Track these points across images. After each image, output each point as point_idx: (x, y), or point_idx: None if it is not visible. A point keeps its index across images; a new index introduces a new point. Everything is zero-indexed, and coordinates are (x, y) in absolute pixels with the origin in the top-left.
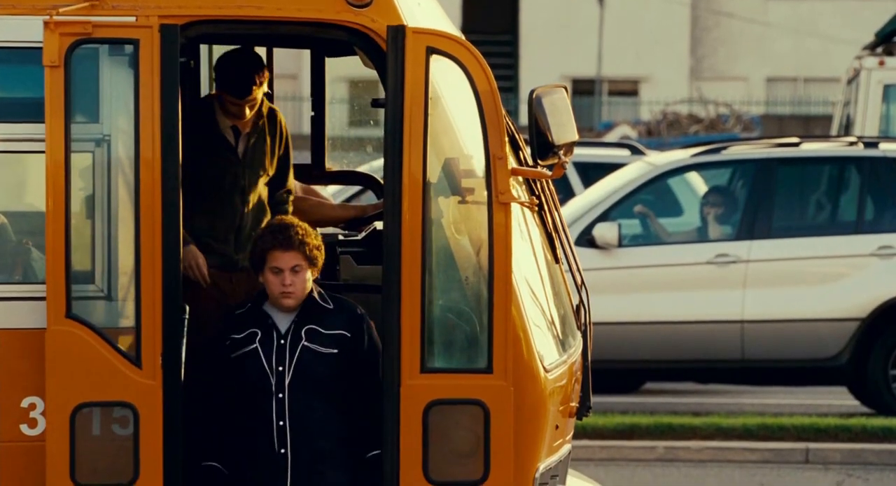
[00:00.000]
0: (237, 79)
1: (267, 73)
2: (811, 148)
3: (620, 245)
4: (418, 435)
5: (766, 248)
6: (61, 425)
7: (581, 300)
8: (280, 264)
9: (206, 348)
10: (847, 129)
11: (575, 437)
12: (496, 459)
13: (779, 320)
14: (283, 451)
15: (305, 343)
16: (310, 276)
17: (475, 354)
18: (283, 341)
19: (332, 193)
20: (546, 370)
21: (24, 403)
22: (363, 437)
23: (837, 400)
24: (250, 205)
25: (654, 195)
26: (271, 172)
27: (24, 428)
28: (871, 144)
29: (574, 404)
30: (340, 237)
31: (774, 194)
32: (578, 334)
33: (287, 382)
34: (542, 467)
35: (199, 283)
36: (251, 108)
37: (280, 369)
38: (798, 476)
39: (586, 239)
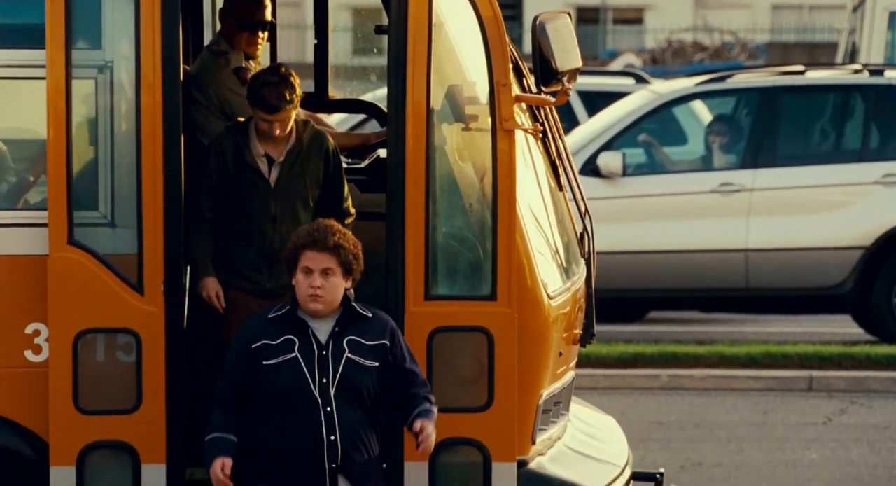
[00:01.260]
0: (268, 94)
1: (300, 94)
2: (816, 76)
3: (625, 174)
4: (422, 362)
5: (770, 176)
6: (64, 351)
7: (585, 229)
8: (311, 263)
9: (232, 351)
10: (852, 56)
11: (578, 365)
12: (500, 386)
13: (783, 249)
14: (333, 466)
15: (349, 355)
16: (342, 283)
17: (479, 281)
18: (324, 352)
19: (336, 121)
20: (550, 298)
21: (29, 329)
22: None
23: (841, 328)
24: (283, 234)
25: (659, 124)
26: (313, 198)
27: (28, 354)
28: (877, 72)
29: (578, 331)
30: (344, 165)
31: (779, 123)
32: (582, 262)
33: (332, 394)
34: (545, 394)
35: (230, 308)
36: (282, 127)
37: (324, 381)
38: (801, 404)
39: (590, 168)
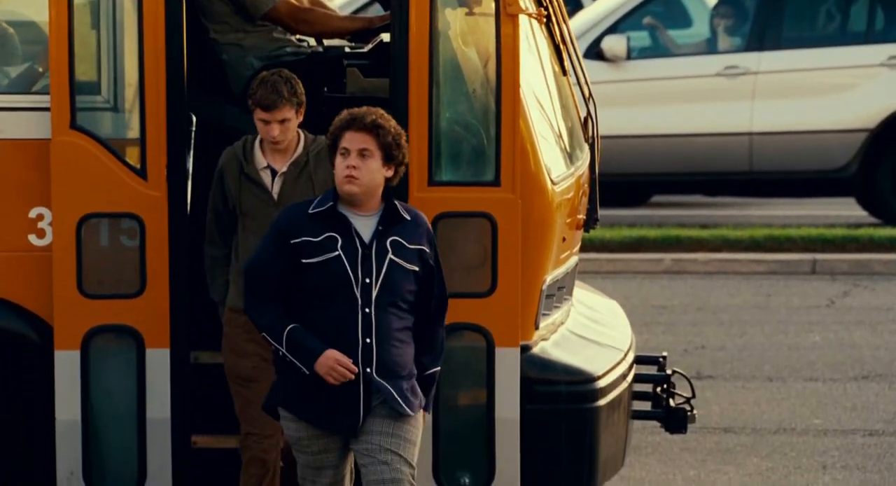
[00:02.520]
0: (264, 91)
1: (301, 99)
2: None
3: (629, 58)
4: None
5: (775, 59)
6: (68, 236)
7: (589, 113)
8: (347, 144)
9: (268, 245)
10: None
11: (582, 250)
12: (504, 271)
13: (787, 132)
14: (368, 370)
15: (392, 257)
16: (381, 169)
17: (483, 167)
18: (367, 252)
19: (339, 5)
20: (553, 183)
21: (33, 213)
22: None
23: (845, 211)
24: None
25: (664, 7)
26: None
27: (32, 238)
28: None
29: (581, 216)
30: (347, 50)
31: (784, 5)
32: (586, 147)
33: (374, 296)
34: (549, 279)
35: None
36: (282, 129)
37: (366, 281)
38: (805, 287)
39: (594, 52)
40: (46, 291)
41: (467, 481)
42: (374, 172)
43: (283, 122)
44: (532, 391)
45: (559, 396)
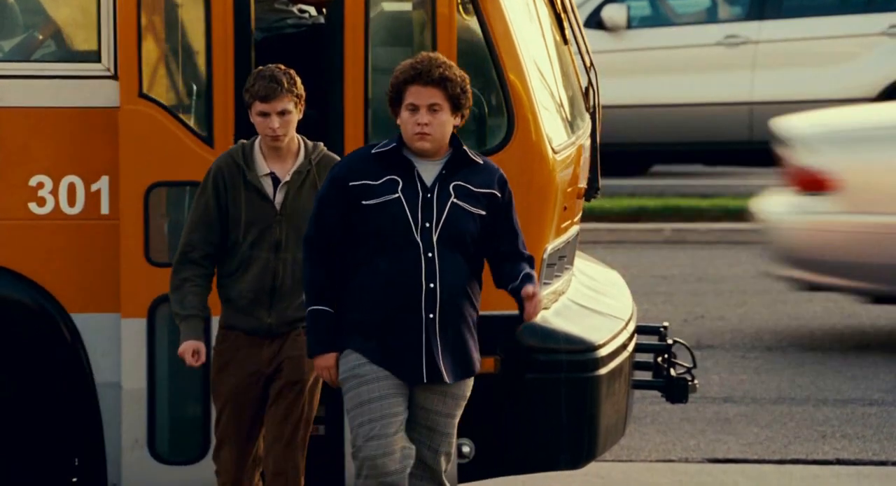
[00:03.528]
0: (262, 82)
1: (301, 93)
2: None
3: (629, 27)
4: None
5: (775, 28)
6: (135, 204)
7: (590, 82)
8: (416, 100)
9: (327, 188)
10: None
11: (582, 219)
12: None
13: (787, 101)
14: (431, 316)
15: (455, 200)
16: (450, 120)
17: (484, 135)
18: (429, 195)
19: None
20: (554, 152)
21: (33, 181)
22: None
23: None
24: (288, 263)
25: None
26: None
27: (32, 206)
28: None
29: (582, 186)
30: None
31: None
32: (587, 117)
33: (435, 240)
34: (549, 247)
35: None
36: (283, 123)
37: (427, 225)
38: None
39: (595, 21)
40: (46, 259)
41: (467, 449)
42: (445, 125)
43: (283, 114)
44: (533, 360)
45: (560, 365)
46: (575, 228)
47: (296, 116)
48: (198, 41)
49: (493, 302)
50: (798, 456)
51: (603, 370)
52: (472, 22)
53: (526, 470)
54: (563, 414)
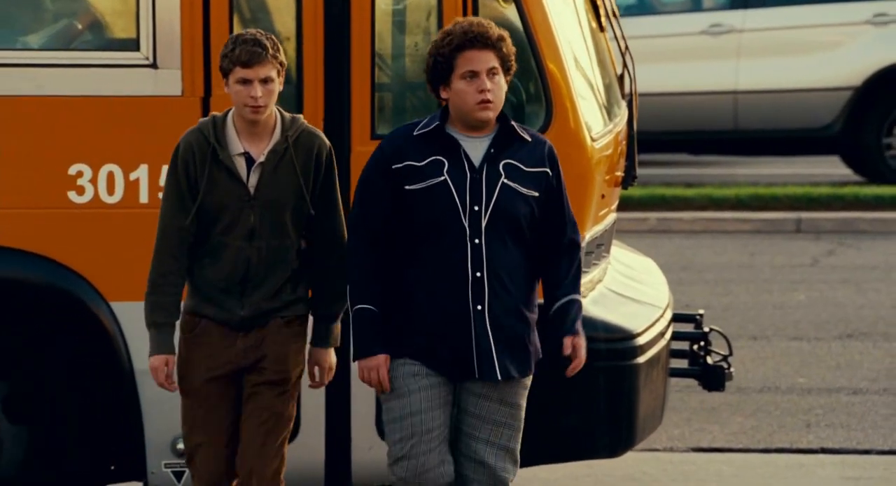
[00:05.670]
0: (242, 47)
1: (283, 61)
2: None
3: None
4: None
5: (760, 17)
6: None
7: (626, 69)
8: (476, 65)
9: (368, 172)
10: None
11: None
12: None
13: (772, 91)
14: (479, 307)
15: (506, 181)
16: (505, 84)
17: (522, 123)
18: (477, 176)
19: None
20: (593, 139)
21: (72, 170)
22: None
23: (830, 169)
24: (262, 251)
25: None
26: (300, 212)
27: (71, 195)
28: None
29: (619, 174)
30: None
31: None
32: (623, 104)
33: (483, 225)
34: (588, 236)
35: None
36: (266, 92)
37: (475, 208)
38: (790, 245)
39: None
40: (85, 248)
41: None
42: (503, 90)
43: (266, 82)
44: None
45: (598, 353)
46: (612, 216)
47: (278, 86)
48: (287, 26)
49: None
50: (783, 445)
51: (641, 359)
52: (511, 10)
53: (564, 459)
54: (601, 403)
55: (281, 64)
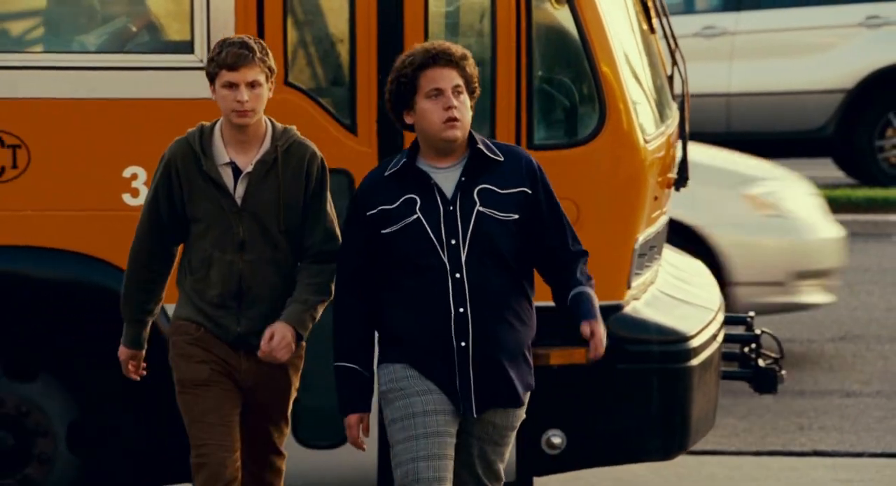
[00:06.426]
0: (229, 50)
1: (271, 66)
2: None
3: None
4: None
5: (753, 19)
6: None
7: (678, 70)
8: (440, 83)
9: (347, 222)
10: None
11: None
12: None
13: (765, 93)
14: (463, 344)
15: (481, 208)
16: (469, 104)
17: (575, 125)
18: (451, 208)
19: None
20: (646, 141)
21: (126, 173)
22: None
23: (822, 172)
24: (254, 264)
25: None
26: (289, 224)
27: (126, 198)
28: None
29: (672, 175)
30: None
31: None
32: (675, 105)
33: (463, 258)
34: (641, 238)
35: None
36: (253, 97)
37: (452, 242)
38: None
39: None
40: None
41: (558, 440)
42: (469, 110)
43: (253, 87)
44: (624, 351)
45: (652, 355)
46: (664, 218)
47: (266, 92)
48: (341, 27)
49: None
50: (775, 448)
51: (695, 361)
52: (564, 12)
53: (617, 461)
54: (654, 405)
55: (269, 69)
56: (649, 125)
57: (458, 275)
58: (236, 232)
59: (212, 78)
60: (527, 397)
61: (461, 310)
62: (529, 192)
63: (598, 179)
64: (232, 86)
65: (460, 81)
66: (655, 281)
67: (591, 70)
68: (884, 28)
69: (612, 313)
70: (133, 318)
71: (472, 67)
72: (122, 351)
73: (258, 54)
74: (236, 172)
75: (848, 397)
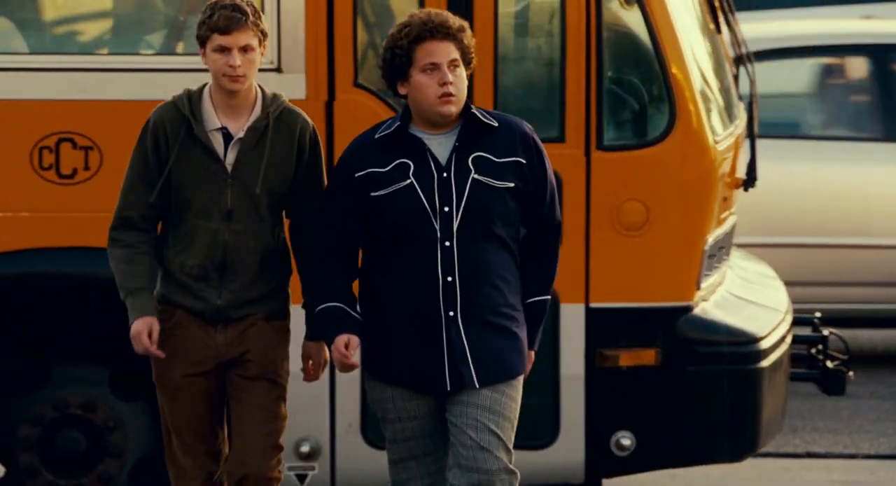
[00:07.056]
0: (227, 11)
1: (264, 29)
2: None
3: None
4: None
5: (746, 19)
6: None
7: (747, 71)
8: (437, 57)
9: (332, 182)
10: None
11: None
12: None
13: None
14: (451, 313)
15: (476, 176)
16: (465, 76)
17: (645, 126)
18: (445, 175)
19: None
20: (716, 142)
21: None
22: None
23: None
24: (240, 234)
25: None
26: (280, 194)
27: None
28: None
29: (740, 176)
30: None
31: None
32: (742, 106)
33: (455, 226)
34: (711, 239)
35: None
36: (246, 61)
37: (446, 209)
38: None
39: None
40: None
41: (628, 441)
42: (465, 83)
43: (245, 51)
44: (694, 352)
45: (722, 357)
46: (732, 219)
47: (259, 57)
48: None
49: (651, 293)
50: (768, 449)
51: (765, 362)
52: (634, 12)
53: (687, 463)
54: (725, 407)
55: (262, 33)
56: (718, 126)
57: (447, 243)
58: (224, 200)
59: (202, 41)
60: (522, 364)
61: (449, 279)
62: (524, 161)
63: (667, 179)
64: (224, 50)
65: (457, 55)
66: (724, 282)
67: (661, 70)
68: None
69: (681, 314)
70: (140, 286)
71: (469, 39)
72: (140, 323)
73: (251, 18)
74: (227, 138)
75: (841, 399)
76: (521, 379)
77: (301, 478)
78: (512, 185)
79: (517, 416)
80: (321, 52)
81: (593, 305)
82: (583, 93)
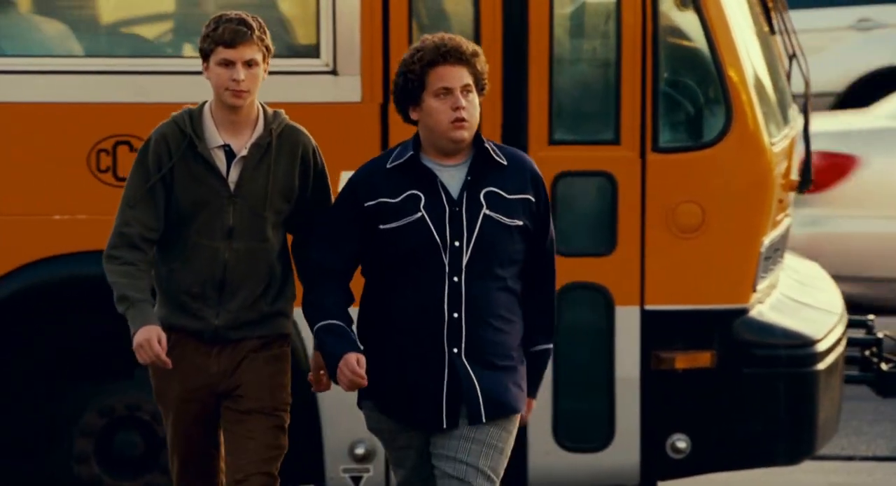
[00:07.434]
0: (232, 25)
1: (269, 45)
2: None
3: None
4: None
5: None
6: None
7: (801, 72)
8: (449, 82)
9: (337, 208)
10: None
11: None
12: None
13: None
14: (455, 350)
15: (487, 212)
16: (478, 105)
17: (701, 128)
18: (456, 209)
19: None
20: (772, 144)
21: None
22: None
23: None
24: (240, 253)
25: None
26: (282, 212)
27: None
28: None
29: (795, 177)
30: None
31: None
32: (796, 107)
33: (465, 262)
34: (766, 241)
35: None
36: (249, 76)
37: (456, 244)
38: None
39: None
40: None
41: (684, 445)
42: (477, 109)
43: (250, 65)
44: (750, 355)
45: (778, 359)
46: (787, 221)
47: (262, 72)
48: (465, 30)
49: (707, 296)
50: None
51: (821, 365)
52: (690, 15)
53: (742, 466)
54: (781, 409)
55: (267, 48)
56: (774, 127)
57: (455, 279)
58: (226, 218)
59: (206, 55)
60: (522, 403)
61: (455, 315)
62: (532, 199)
63: (723, 181)
64: (228, 64)
65: (470, 80)
66: (778, 285)
67: (717, 72)
68: (875, 31)
69: (737, 316)
70: (143, 298)
71: (482, 64)
72: (144, 331)
73: (257, 32)
74: (229, 155)
75: None
76: (518, 419)
77: (356, 480)
78: (521, 223)
79: (509, 443)
80: (376, 55)
81: (648, 307)
82: (638, 94)
